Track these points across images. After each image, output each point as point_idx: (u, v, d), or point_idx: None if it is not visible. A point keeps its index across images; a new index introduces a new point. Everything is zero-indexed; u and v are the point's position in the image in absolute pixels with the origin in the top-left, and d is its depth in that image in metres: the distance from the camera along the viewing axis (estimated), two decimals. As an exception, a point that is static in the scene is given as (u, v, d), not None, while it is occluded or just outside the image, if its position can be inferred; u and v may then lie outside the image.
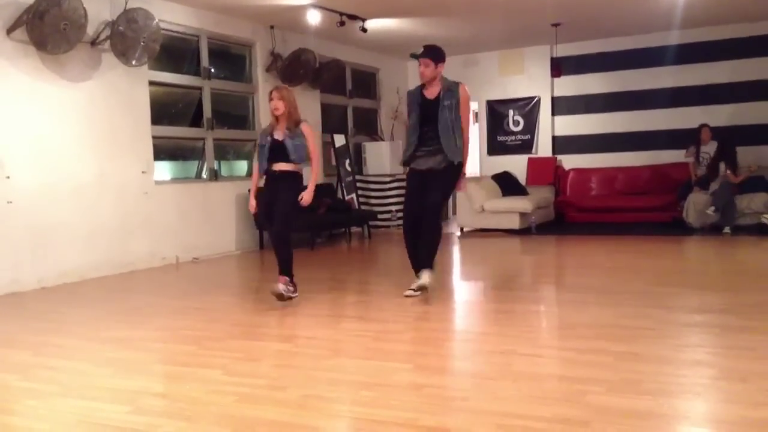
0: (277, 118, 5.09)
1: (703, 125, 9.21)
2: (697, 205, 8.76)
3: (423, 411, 2.77)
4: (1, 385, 3.40)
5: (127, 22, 6.59)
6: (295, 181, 5.10)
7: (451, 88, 4.99)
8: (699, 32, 9.91)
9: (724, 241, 7.89)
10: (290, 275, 5.00)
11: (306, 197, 5.05)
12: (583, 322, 4.24)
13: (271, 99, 5.08)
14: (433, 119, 4.96)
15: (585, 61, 10.82)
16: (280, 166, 5.04)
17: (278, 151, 5.04)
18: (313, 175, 5.16)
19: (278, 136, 5.06)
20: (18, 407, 3.10)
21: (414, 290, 4.92)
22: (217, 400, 3.01)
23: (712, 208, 8.46)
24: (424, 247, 4.96)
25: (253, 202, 5.29)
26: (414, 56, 5.11)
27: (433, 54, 5.00)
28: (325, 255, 5.33)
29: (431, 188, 4.95)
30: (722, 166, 8.98)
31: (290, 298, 4.95)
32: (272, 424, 2.72)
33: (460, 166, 5.02)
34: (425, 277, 4.87)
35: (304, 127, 5.10)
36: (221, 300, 5.53)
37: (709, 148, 9.09)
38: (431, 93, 5.04)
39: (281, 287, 4.92)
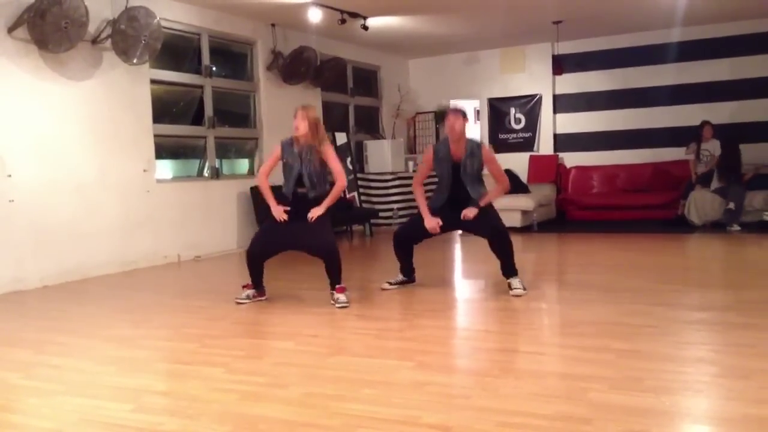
0: (296, 137, 5.00)
1: (705, 122, 9.20)
2: (698, 203, 8.75)
3: (425, 409, 2.77)
4: (4, 384, 3.41)
5: (128, 20, 6.59)
6: (319, 203, 4.98)
7: (474, 152, 5.20)
8: (700, 29, 9.89)
9: (726, 239, 7.88)
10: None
11: (314, 213, 4.90)
12: (584, 320, 4.24)
13: (295, 116, 4.97)
14: (461, 178, 5.21)
15: (586, 59, 10.80)
16: (304, 190, 4.99)
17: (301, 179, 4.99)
18: (332, 196, 5.02)
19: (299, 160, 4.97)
20: (20, 405, 3.11)
21: (391, 283, 5.48)
22: (219, 398, 3.01)
23: (732, 204, 8.41)
24: (504, 257, 5.19)
25: (280, 209, 5.02)
26: (444, 111, 5.31)
27: (463, 112, 5.30)
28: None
29: (479, 219, 5.15)
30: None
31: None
32: (274, 421, 2.73)
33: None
34: (517, 283, 5.10)
35: (326, 148, 4.99)
36: (223, 298, 5.53)
37: (711, 146, 9.08)
38: (457, 153, 5.22)
39: (345, 297, 4.89)
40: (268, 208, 5.12)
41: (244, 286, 5.18)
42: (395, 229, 5.70)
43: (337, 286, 4.93)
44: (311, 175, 4.97)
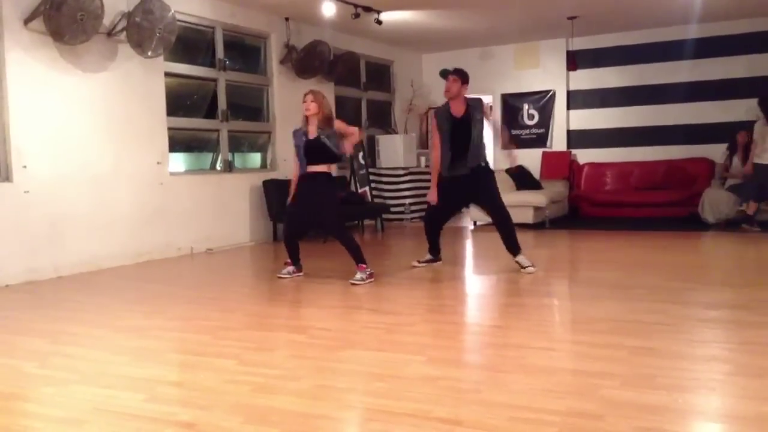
0: (307, 119, 5.54)
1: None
2: (713, 201, 8.69)
3: (436, 403, 2.77)
4: (18, 372, 3.44)
5: (143, 13, 6.61)
6: (328, 181, 5.60)
7: (475, 105, 5.76)
8: (716, 26, 9.80)
9: (740, 237, 7.82)
10: (364, 261, 5.45)
11: (348, 148, 5.68)
12: (596, 317, 4.23)
13: (304, 101, 5.52)
14: (464, 133, 5.70)
15: (601, 55, 10.73)
16: (313, 168, 5.54)
17: (312, 151, 5.52)
18: (355, 137, 5.70)
19: (311, 134, 5.51)
20: (35, 394, 3.14)
21: (420, 262, 6.18)
22: (231, 390, 3.03)
23: (744, 205, 8.32)
24: (508, 237, 5.78)
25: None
26: (444, 72, 5.81)
27: (463, 74, 5.79)
28: (337, 247, 5.36)
29: (487, 197, 5.85)
30: (736, 159, 8.90)
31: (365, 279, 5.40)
32: (286, 413, 2.74)
33: (487, 165, 5.88)
34: (523, 259, 5.72)
35: (336, 123, 5.59)
36: (235, 290, 5.56)
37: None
38: (457, 111, 5.75)
39: (359, 275, 5.37)
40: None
41: (285, 263, 5.83)
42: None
43: (358, 264, 5.43)
44: (333, 143, 5.54)
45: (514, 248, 5.77)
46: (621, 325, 3.98)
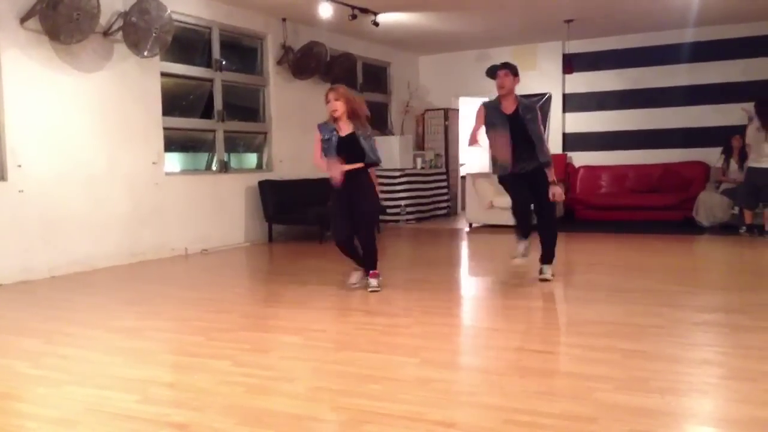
0: (335, 119, 5.01)
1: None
2: (707, 204, 8.71)
3: (430, 405, 2.77)
4: (12, 372, 3.43)
5: (139, 12, 6.60)
6: (367, 177, 5.11)
7: (530, 106, 5.34)
8: (713, 30, 9.83)
9: (735, 241, 7.84)
10: (376, 266, 5.19)
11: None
12: (591, 320, 4.23)
13: (327, 101, 4.96)
14: (519, 132, 5.22)
15: (597, 58, 10.76)
16: (352, 165, 4.98)
17: (348, 148, 4.98)
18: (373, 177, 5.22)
19: (345, 131, 5.01)
20: (28, 394, 3.12)
21: (520, 255, 5.50)
22: (225, 391, 3.02)
23: (737, 209, 8.34)
24: (547, 243, 5.43)
25: (336, 172, 4.95)
26: (493, 69, 5.36)
27: (512, 67, 5.34)
28: (334, 248, 5.35)
29: (541, 192, 5.31)
30: (733, 163, 8.91)
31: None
32: (280, 415, 2.73)
33: (549, 165, 5.36)
34: (548, 271, 5.44)
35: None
36: (230, 291, 5.55)
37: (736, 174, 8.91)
38: (508, 108, 5.30)
39: (375, 282, 5.13)
40: (329, 191, 5.15)
41: (354, 270, 5.33)
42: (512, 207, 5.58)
43: (372, 270, 5.16)
44: (372, 148, 5.07)
45: (548, 256, 5.47)
46: (615, 328, 3.99)
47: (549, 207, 5.39)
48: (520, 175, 5.30)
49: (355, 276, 5.30)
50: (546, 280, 5.39)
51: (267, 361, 3.55)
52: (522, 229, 5.49)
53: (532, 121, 5.26)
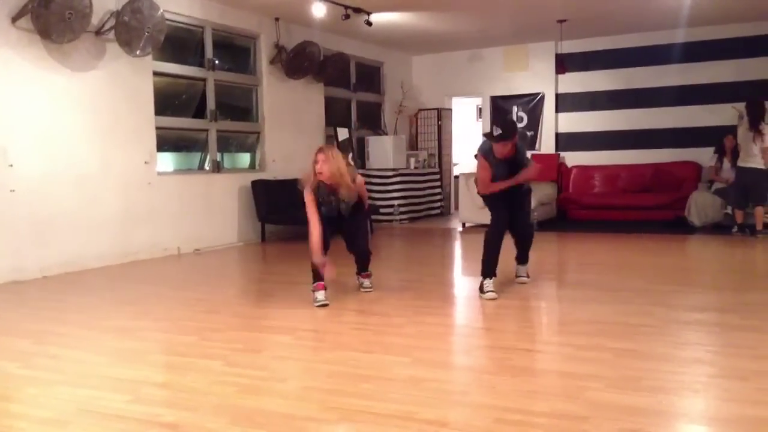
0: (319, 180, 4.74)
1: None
2: (699, 204, 8.74)
3: (422, 404, 2.77)
4: (2, 373, 3.42)
5: (131, 12, 6.59)
6: (363, 214, 5.23)
7: (521, 151, 5.29)
8: (705, 30, 9.87)
9: (726, 240, 7.87)
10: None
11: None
12: (583, 319, 4.24)
13: (315, 160, 4.69)
14: (516, 168, 5.20)
15: (590, 58, 10.78)
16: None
17: (338, 222, 4.92)
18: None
19: (336, 202, 4.83)
20: (19, 395, 3.11)
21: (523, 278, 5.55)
22: (217, 391, 3.02)
23: (729, 209, 8.37)
24: (525, 249, 5.55)
25: (319, 258, 4.69)
26: (499, 138, 5.00)
27: (513, 135, 5.07)
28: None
29: (523, 211, 5.48)
30: (726, 162, 8.94)
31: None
32: (272, 414, 2.73)
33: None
34: (525, 271, 5.54)
35: (359, 182, 4.96)
36: (223, 291, 5.54)
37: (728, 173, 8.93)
38: (504, 155, 5.09)
39: (368, 282, 5.24)
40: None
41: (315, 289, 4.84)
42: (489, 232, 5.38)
43: (365, 271, 5.25)
44: (349, 205, 4.94)
45: (526, 258, 5.56)
46: (607, 327, 4.00)
47: (528, 224, 5.67)
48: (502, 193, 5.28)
49: (322, 293, 4.78)
50: (524, 282, 5.42)
51: (259, 360, 3.55)
52: (493, 265, 5.15)
53: (524, 152, 5.41)
